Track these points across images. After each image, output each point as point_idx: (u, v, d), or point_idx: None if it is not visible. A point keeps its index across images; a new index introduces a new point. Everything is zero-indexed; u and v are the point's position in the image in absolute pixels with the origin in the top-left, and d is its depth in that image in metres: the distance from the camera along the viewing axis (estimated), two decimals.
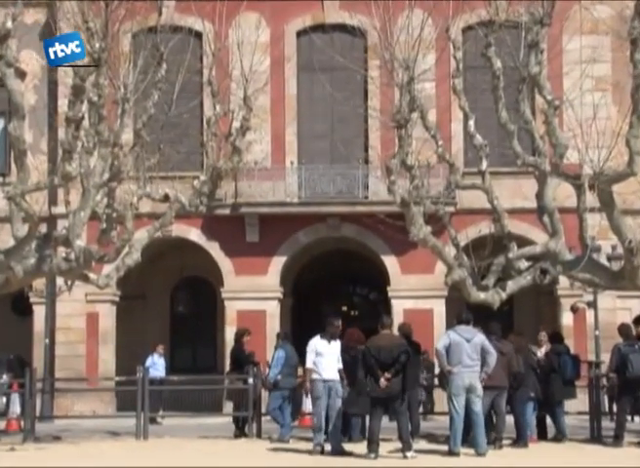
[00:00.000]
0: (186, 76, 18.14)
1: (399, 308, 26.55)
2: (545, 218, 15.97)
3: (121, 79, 16.81)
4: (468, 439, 14.83)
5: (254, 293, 27.11)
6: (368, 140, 27.11)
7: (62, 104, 21.04)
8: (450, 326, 17.95)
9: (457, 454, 14.37)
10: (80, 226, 16.23)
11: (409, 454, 14.11)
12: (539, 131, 15.94)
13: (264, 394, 18.44)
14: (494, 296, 15.73)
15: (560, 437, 16.68)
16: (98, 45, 15.49)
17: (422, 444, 15.98)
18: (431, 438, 16.98)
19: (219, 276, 27.72)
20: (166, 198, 17.57)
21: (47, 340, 26.16)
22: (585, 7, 23.61)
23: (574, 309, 25.96)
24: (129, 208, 16.80)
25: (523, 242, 18.21)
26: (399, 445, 14.39)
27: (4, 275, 16.10)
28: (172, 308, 31.05)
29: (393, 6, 16.56)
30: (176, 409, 23.95)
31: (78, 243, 16.20)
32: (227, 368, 20.36)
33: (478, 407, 14.58)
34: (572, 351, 18.26)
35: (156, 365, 24.90)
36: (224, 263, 27.56)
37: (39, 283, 24.03)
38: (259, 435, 17.96)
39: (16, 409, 21.51)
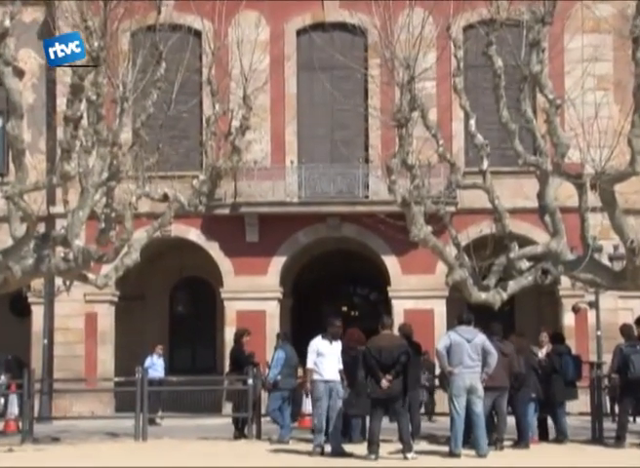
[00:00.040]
0: (186, 75, 18.07)
1: (400, 308, 26.50)
2: (547, 218, 15.94)
3: (120, 78, 16.75)
4: (469, 440, 14.79)
5: (253, 294, 27.07)
6: (368, 140, 27.06)
7: (61, 103, 21.09)
8: (451, 326, 17.92)
9: (457, 456, 14.34)
10: (79, 226, 16.20)
11: (409, 456, 14.08)
12: (540, 130, 15.90)
13: (264, 395, 18.36)
14: (495, 297, 15.70)
15: (561, 438, 16.65)
16: (96, 44, 15.44)
17: (423, 445, 15.96)
18: (432, 439, 16.96)
19: (218, 276, 27.68)
20: (165, 198, 17.50)
21: (45, 341, 26.15)
22: (587, 5, 23.54)
23: (575, 309, 25.97)
24: (128, 207, 16.75)
25: (524, 242, 18.18)
26: (399, 446, 14.36)
27: (2, 275, 16.04)
28: (171, 308, 31.01)
29: (394, 4, 16.53)
30: (175, 409, 23.93)
31: (77, 243, 16.17)
32: (227, 368, 20.33)
33: (479, 408, 14.54)
34: (573, 352, 18.26)
35: (155, 365, 24.89)
36: (224, 263, 27.51)
37: (37, 283, 24.05)
38: (258, 436, 17.94)
39: (14, 409, 21.51)
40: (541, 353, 17.10)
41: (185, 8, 22.53)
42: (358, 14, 22.58)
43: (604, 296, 24.77)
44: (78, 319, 27.30)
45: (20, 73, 23.66)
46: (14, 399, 21.50)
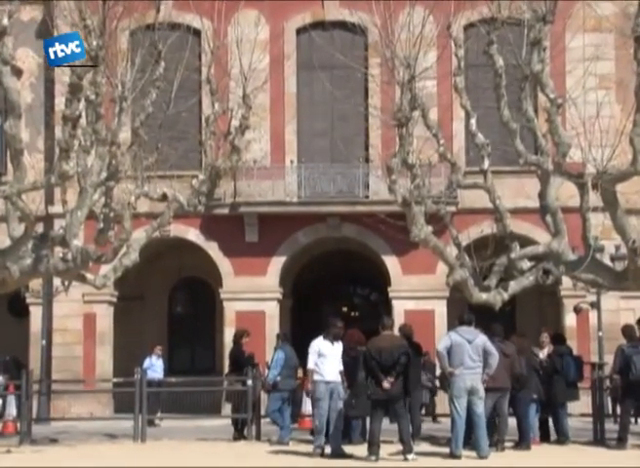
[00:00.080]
0: (185, 74, 18.05)
1: (400, 309, 26.46)
2: (548, 218, 15.90)
3: (119, 77, 16.76)
4: (470, 441, 14.75)
5: (253, 294, 27.03)
6: (368, 139, 27.03)
7: (59, 103, 21.11)
8: (451, 327, 17.88)
9: (458, 457, 14.29)
10: (77, 226, 16.18)
11: (410, 457, 14.05)
12: (541, 129, 15.87)
13: (264, 396, 18.30)
14: (496, 297, 15.67)
15: (563, 439, 16.61)
16: (95, 43, 15.46)
17: (424, 446, 15.90)
18: (433, 440, 16.93)
19: (217, 276, 27.64)
20: (164, 197, 17.50)
21: (43, 341, 26.09)
22: (589, 4, 23.55)
23: (577, 310, 25.95)
24: (126, 207, 16.75)
25: (525, 242, 18.15)
26: (400, 447, 14.31)
27: (0, 275, 16.02)
28: (170, 309, 30.95)
29: (394, 3, 16.53)
30: (174, 410, 23.86)
31: (75, 243, 16.13)
32: (226, 369, 20.26)
33: (480, 409, 14.50)
34: (575, 352, 18.23)
35: (154, 366, 24.86)
36: (223, 263, 27.47)
37: (36, 283, 24.05)
38: (258, 437, 17.89)
39: (12, 411, 21.46)
40: (542, 354, 17.05)
41: (185, 7, 22.53)
42: (358, 12, 22.53)
43: (605, 297, 24.72)
44: (77, 319, 27.27)
45: (18, 72, 23.63)
46: (12, 400, 21.46)
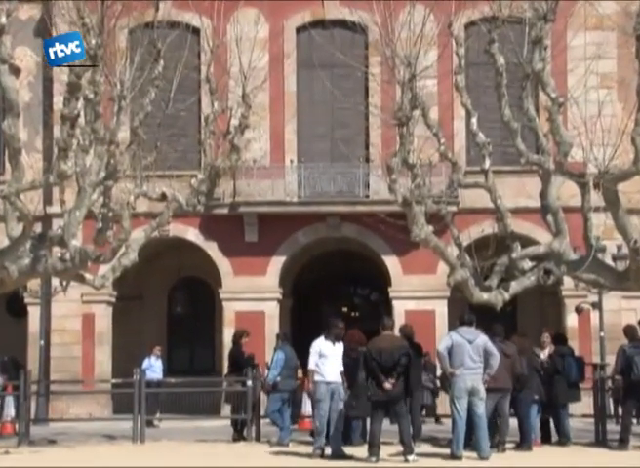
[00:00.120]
0: (184, 73, 18.03)
1: (400, 309, 26.43)
2: (549, 218, 15.84)
3: (117, 76, 16.74)
4: (471, 442, 14.72)
5: (252, 294, 26.99)
6: (369, 138, 27.01)
7: (58, 102, 21.05)
8: (452, 327, 17.84)
9: (459, 458, 14.24)
10: (76, 226, 16.15)
11: (410, 458, 13.99)
12: (542, 128, 15.82)
13: (263, 396, 18.24)
14: (497, 297, 15.63)
15: (564, 440, 16.59)
16: (93, 41, 15.45)
17: (424, 447, 15.87)
18: (433, 441, 16.89)
19: (217, 276, 27.61)
20: (163, 197, 17.48)
21: (42, 342, 26.06)
22: (590, 2, 23.51)
23: (578, 310, 25.94)
24: (125, 207, 16.72)
25: (526, 242, 18.13)
26: (400, 448, 14.25)
27: None
28: (169, 309, 30.91)
29: (394, 2, 16.49)
30: (173, 411, 23.75)
31: (74, 243, 16.10)
32: (226, 370, 20.20)
33: (481, 409, 14.46)
34: (576, 353, 18.27)
35: (153, 367, 24.83)
36: (223, 263, 27.43)
37: (34, 283, 24.00)
38: (257, 438, 17.85)
39: (10, 411, 21.40)
40: (544, 354, 17.02)
41: (184, 5, 22.50)
42: (358, 11, 22.41)
43: (607, 297, 24.70)
44: (75, 320, 27.24)
45: (16, 71, 23.63)
46: (10, 401, 21.38)
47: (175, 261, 29.07)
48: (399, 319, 23.80)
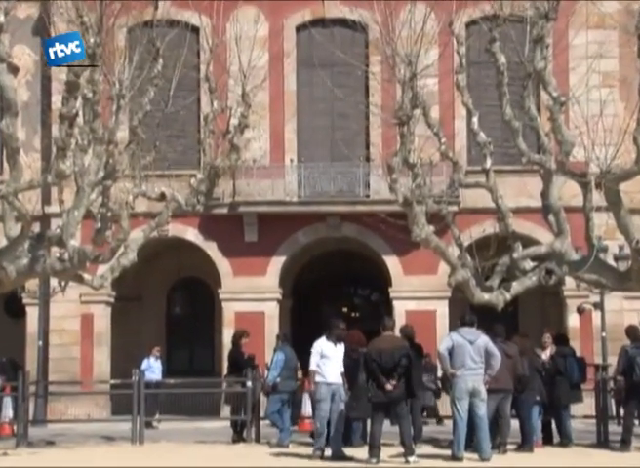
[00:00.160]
0: (183, 72, 18.05)
1: (401, 309, 26.36)
2: (551, 218, 15.80)
3: (116, 75, 16.72)
4: (472, 443, 14.68)
5: (252, 294, 26.93)
6: (369, 138, 26.97)
7: (56, 101, 20.96)
8: (453, 327, 17.81)
9: (460, 459, 14.19)
10: (74, 226, 16.10)
11: (411, 459, 13.94)
12: (544, 128, 15.78)
13: (263, 397, 18.19)
14: (498, 297, 15.59)
15: (566, 441, 16.55)
16: (92, 40, 15.43)
17: (426, 448, 15.82)
18: (435, 442, 16.85)
19: (216, 277, 27.55)
20: (162, 197, 17.44)
21: (40, 342, 25.96)
22: (592, 1, 23.43)
23: (580, 310, 25.89)
24: (124, 207, 16.69)
25: (528, 242, 18.05)
26: (401, 449, 14.20)
27: None
28: (168, 309, 30.85)
29: (395, 0, 16.43)
30: (172, 412, 23.70)
31: (72, 243, 16.07)
32: (225, 370, 20.14)
33: (482, 410, 14.41)
34: (578, 353, 18.18)
35: (152, 367, 24.82)
36: (222, 264, 27.38)
37: (32, 284, 23.96)
38: (257, 439, 17.81)
39: (8, 412, 21.38)
40: (545, 355, 16.98)
41: (183, 3, 22.46)
42: (359, 9, 22.45)
43: (609, 297, 24.66)
44: (74, 320, 27.18)
45: (14, 70, 23.49)
46: (8, 402, 21.32)
47: (174, 261, 29.01)
48: (400, 319, 23.69)
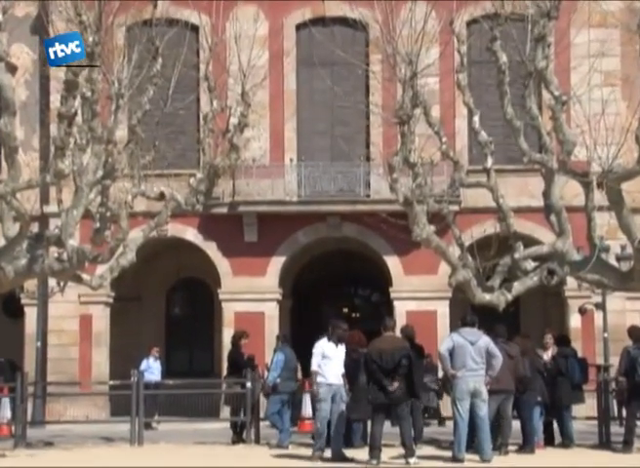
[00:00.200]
0: (182, 71, 18.00)
1: (402, 310, 26.31)
2: (552, 217, 15.75)
3: (115, 74, 16.69)
4: (473, 444, 14.64)
5: (252, 295, 26.88)
6: (369, 137, 26.94)
7: (55, 100, 20.99)
8: (454, 328, 17.74)
9: (461, 461, 14.13)
10: (73, 225, 16.08)
11: (412, 461, 13.89)
12: (545, 127, 15.73)
13: (263, 398, 18.15)
14: (499, 298, 15.53)
15: (567, 443, 16.51)
16: (91, 39, 15.38)
17: (426, 449, 15.80)
18: (436, 443, 16.84)
19: (216, 277, 27.49)
20: (161, 196, 17.41)
21: (39, 343, 25.94)
22: (593, 0, 23.39)
23: (582, 311, 25.84)
24: (123, 206, 16.65)
25: (529, 241, 17.98)
26: (402, 451, 14.15)
27: None
28: (167, 310, 30.79)
29: None
30: (171, 413, 23.71)
31: (71, 242, 16.03)
32: (225, 371, 20.08)
33: (483, 411, 14.36)
34: (580, 354, 18.17)
35: (151, 368, 24.77)
36: (222, 264, 27.32)
37: (31, 284, 23.88)
38: (257, 440, 17.77)
39: (6, 413, 21.35)
40: (546, 355, 16.93)
41: (182, 2, 22.55)
42: (359, 8, 22.40)
43: (611, 298, 24.60)
44: (72, 320, 27.11)
45: (12, 69, 23.53)
46: (6, 402, 21.31)
47: (173, 262, 28.95)
48: (400, 320, 23.62)
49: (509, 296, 15.50)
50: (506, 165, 23.19)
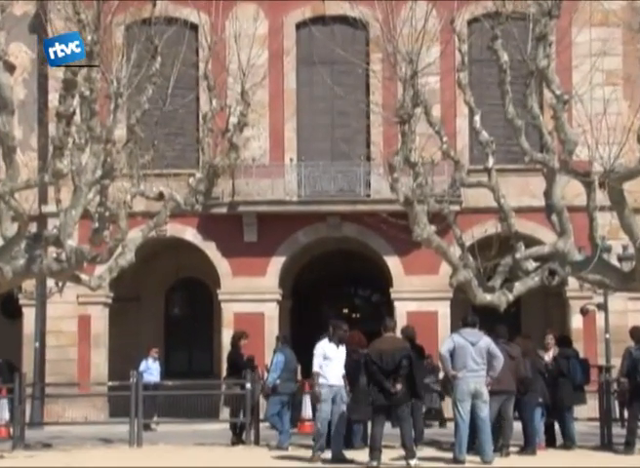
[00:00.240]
0: (182, 70, 18.00)
1: (402, 310, 26.27)
2: (554, 217, 15.72)
3: (114, 73, 16.64)
4: (474, 446, 14.60)
5: (251, 295, 26.82)
6: (370, 136, 26.90)
7: (53, 99, 21.03)
8: (455, 329, 17.71)
9: (462, 462, 14.11)
10: (71, 225, 16.04)
11: (412, 462, 13.86)
12: (547, 126, 15.69)
13: (262, 399, 18.07)
14: (500, 298, 15.50)
15: (569, 444, 16.47)
16: (89, 37, 15.37)
17: (427, 451, 15.77)
18: (436, 445, 16.83)
19: (215, 277, 27.45)
20: (160, 196, 17.38)
21: (37, 344, 26.01)
22: None
23: (583, 311, 25.88)
24: (122, 206, 16.62)
25: (531, 242, 18.03)
26: (402, 452, 14.13)
27: None
28: (167, 310, 30.74)
29: None
30: (171, 415, 23.65)
31: (69, 243, 16.01)
32: (224, 372, 20.05)
33: (484, 412, 14.33)
34: (581, 355, 18.20)
35: (150, 369, 24.78)
36: (221, 264, 27.27)
37: (29, 284, 23.92)
38: (256, 442, 17.73)
39: (4, 415, 21.35)
40: (548, 356, 16.90)
41: (182, 1, 22.49)
42: (359, 6, 22.44)
43: (613, 298, 24.53)
44: (71, 321, 27.03)
45: (10, 68, 23.45)
46: (4, 404, 21.31)
47: (172, 262, 28.90)
48: (401, 320, 23.66)
49: (510, 297, 15.47)
50: (508, 164, 23.18)
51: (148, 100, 16.92)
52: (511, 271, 15.56)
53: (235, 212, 26.73)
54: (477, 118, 16.00)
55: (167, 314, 30.59)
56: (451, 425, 18.92)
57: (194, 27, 23.13)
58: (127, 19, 17.98)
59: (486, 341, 14.40)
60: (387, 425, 14.29)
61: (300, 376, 18.50)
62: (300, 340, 20.72)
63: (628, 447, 15.83)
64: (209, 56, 18.32)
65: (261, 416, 18.01)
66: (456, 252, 16.08)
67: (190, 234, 27.25)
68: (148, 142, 17.57)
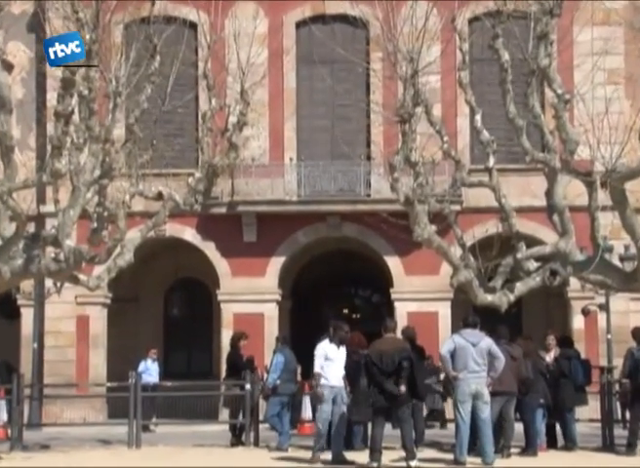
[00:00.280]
0: (181, 69, 17.93)
1: (402, 311, 26.25)
2: (555, 217, 15.67)
3: (113, 72, 16.60)
4: (475, 447, 14.57)
5: (251, 295, 26.79)
6: (370, 136, 26.89)
7: (51, 98, 21.02)
8: (455, 329, 17.69)
9: (462, 463, 14.11)
10: (70, 225, 15.99)
11: (413, 464, 13.85)
12: (548, 126, 15.64)
13: (262, 400, 18.03)
14: (501, 299, 15.45)
15: (570, 445, 16.44)
16: (88, 36, 15.32)
17: (428, 452, 15.76)
18: (437, 446, 16.82)
19: (214, 277, 27.42)
20: (159, 196, 17.34)
21: (35, 344, 26.04)
22: None
23: (585, 312, 25.85)
24: (121, 206, 16.59)
25: (532, 242, 17.99)
26: (403, 453, 14.13)
27: None
28: (166, 311, 30.72)
29: None
30: (170, 416, 23.65)
31: (68, 243, 15.93)
32: (224, 373, 20.03)
33: (485, 413, 14.31)
34: (583, 356, 18.20)
35: (149, 370, 24.79)
36: (220, 264, 27.24)
37: (27, 284, 23.79)
38: (256, 443, 17.70)
39: (2, 416, 21.20)
40: (549, 357, 16.88)
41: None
42: (360, 5, 22.49)
43: (614, 298, 24.51)
44: (69, 322, 26.99)
45: (8, 67, 23.59)
46: (2, 405, 21.15)
47: (171, 262, 28.90)
48: (401, 321, 23.63)
49: (512, 297, 15.43)
50: (509, 164, 23.22)
51: (147, 100, 16.88)
52: (512, 271, 15.51)
53: (235, 211, 26.69)
54: (478, 117, 15.96)
55: (166, 314, 30.56)
56: (451, 426, 18.88)
57: (193, 26, 23.17)
58: (126, 18, 17.97)
59: (487, 342, 14.38)
60: (388, 426, 14.27)
61: (299, 377, 18.44)
62: (299, 341, 20.68)
63: (630, 448, 15.84)
64: (208, 55, 18.28)
65: (261, 417, 17.99)
66: (456, 252, 16.04)
67: (189, 234, 27.21)
68: (147, 142, 17.51)
